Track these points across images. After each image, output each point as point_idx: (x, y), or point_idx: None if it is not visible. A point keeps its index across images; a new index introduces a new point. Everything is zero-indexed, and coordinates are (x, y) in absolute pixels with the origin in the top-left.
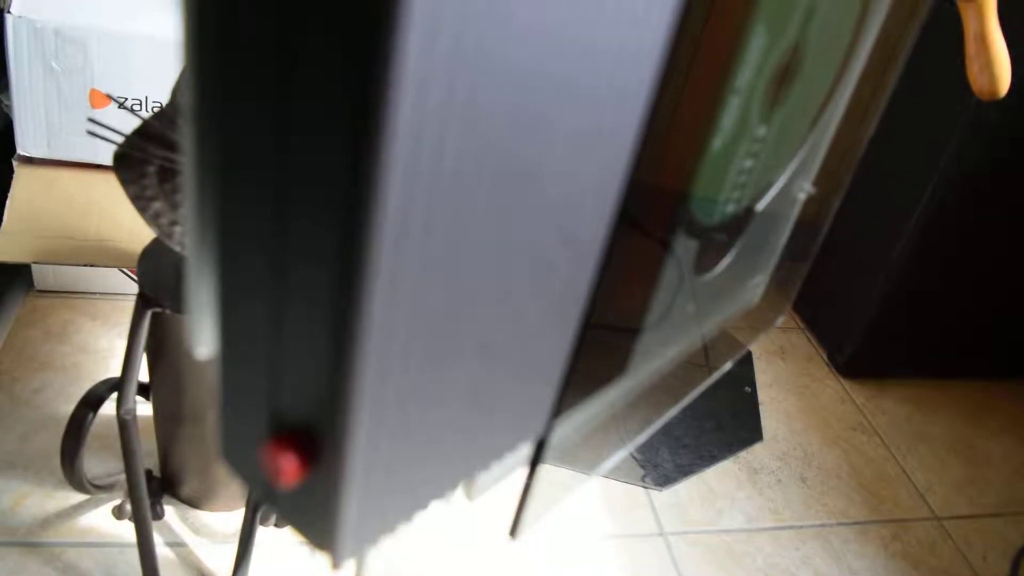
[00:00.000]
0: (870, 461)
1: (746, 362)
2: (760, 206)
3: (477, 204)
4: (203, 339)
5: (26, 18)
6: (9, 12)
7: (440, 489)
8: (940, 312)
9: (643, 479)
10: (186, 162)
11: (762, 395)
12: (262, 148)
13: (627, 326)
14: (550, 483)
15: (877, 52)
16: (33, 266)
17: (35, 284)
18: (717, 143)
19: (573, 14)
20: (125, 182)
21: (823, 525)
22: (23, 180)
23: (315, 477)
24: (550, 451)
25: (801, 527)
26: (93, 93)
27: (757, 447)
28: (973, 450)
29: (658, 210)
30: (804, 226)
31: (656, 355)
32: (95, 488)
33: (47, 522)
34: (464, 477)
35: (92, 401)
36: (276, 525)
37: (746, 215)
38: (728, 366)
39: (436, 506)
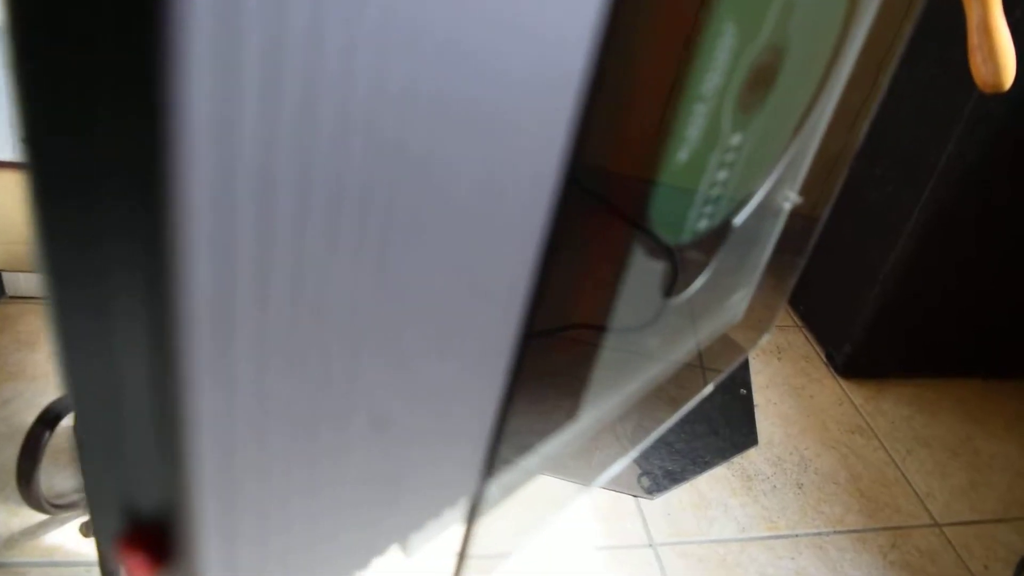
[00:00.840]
0: (869, 465)
1: (742, 363)
2: (739, 220)
3: (341, 226)
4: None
5: None
6: None
7: (342, 572)
8: (941, 311)
9: (633, 487)
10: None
11: (758, 397)
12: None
13: (584, 354)
14: (542, 498)
15: (870, 48)
16: (3, 272)
17: (5, 290)
18: (682, 155)
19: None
20: None
21: (819, 533)
22: None
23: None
24: (496, 498)
25: (796, 536)
26: None
27: (752, 452)
28: (975, 453)
29: (609, 232)
30: (799, 220)
31: (630, 378)
32: (54, 508)
33: (11, 541)
34: (373, 556)
35: (48, 419)
36: None
37: (722, 230)
38: (726, 372)
39: None
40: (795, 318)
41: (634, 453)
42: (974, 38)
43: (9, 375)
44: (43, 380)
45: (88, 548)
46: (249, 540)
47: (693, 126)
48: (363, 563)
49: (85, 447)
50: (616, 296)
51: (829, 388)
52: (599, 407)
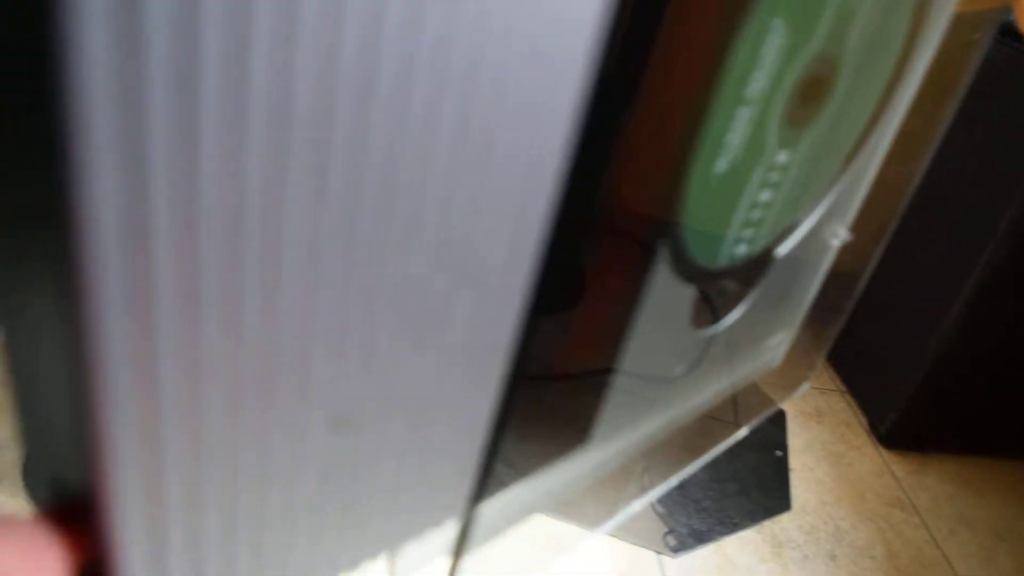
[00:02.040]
0: (908, 543)
1: (778, 423)
2: (782, 251)
3: (287, 215)
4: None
5: None
6: None
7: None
8: (993, 385)
9: (655, 543)
10: None
11: (794, 461)
12: None
13: (595, 382)
14: (546, 538)
15: (929, 83)
16: None
17: None
18: (720, 164)
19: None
20: None
21: None
22: None
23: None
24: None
25: None
26: None
27: (784, 517)
28: (1022, 538)
29: (634, 243)
30: (840, 276)
31: (639, 419)
32: None
33: None
34: (359, 561)
35: None
36: None
37: (763, 260)
38: (748, 429)
39: None
40: (837, 382)
41: (646, 500)
42: None
43: None
44: None
45: None
46: (184, 531)
47: (734, 132)
48: (348, 566)
49: (22, 418)
50: (640, 328)
51: (869, 457)
52: (614, 442)
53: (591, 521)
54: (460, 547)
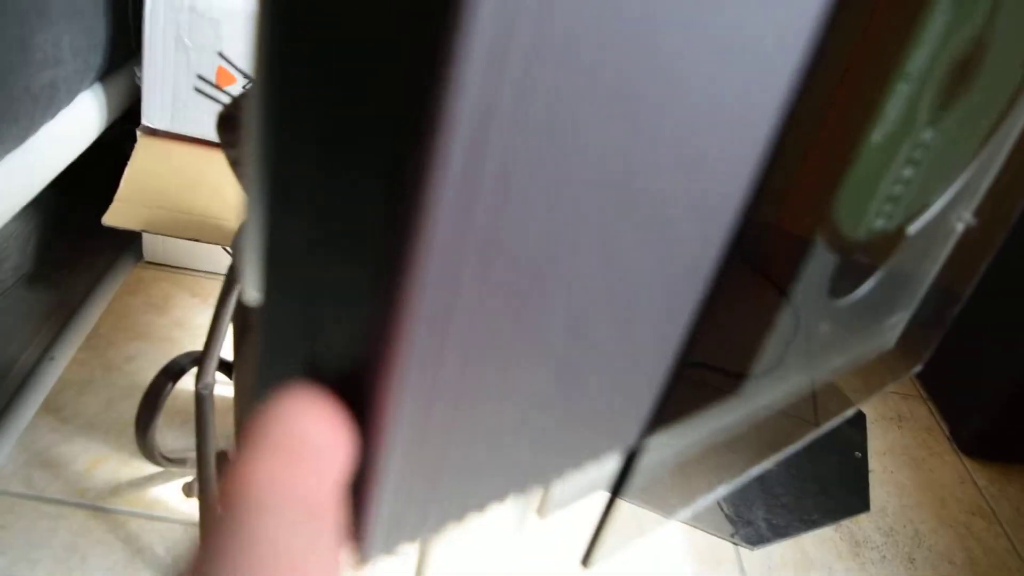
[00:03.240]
0: (989, 551)
1: (859, 426)
2: (913, 229)
3: (582, 145)
4: (253, 283)
5: None
6: None
7: (502, 490)
8: None
9: (733, 535)
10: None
11: (874, 463)
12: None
13: (741, 341)
14: (627, 518)
15: None
16: (144, 237)
17: (144, 255)
18: (877, 136)
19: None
20: (226, 144)
21: None
22: (143, 150)
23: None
24: (636, 478)
25: None
26: (220, 71)
27: (862, 518)
28: None
29: (800, 211)
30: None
31: (775, 383)
32: (165, 460)
33: (118, 489)
34: (531, 483)
35: (173, 371)
36: None
37: (896, 236)
38: (836, 422)
39: (494, 510)
40: (919, 388)
41: (723, 491)
42: None
43: (137, 334)
44: (168, 343)
45: (188, 507)
46: (431, 421)
47: (892, 106)
48: (521, 488)
49: (268, 305)
50: (796, 275)
51: (951, 464)
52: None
53: (668, 508)
54: (624, 477)
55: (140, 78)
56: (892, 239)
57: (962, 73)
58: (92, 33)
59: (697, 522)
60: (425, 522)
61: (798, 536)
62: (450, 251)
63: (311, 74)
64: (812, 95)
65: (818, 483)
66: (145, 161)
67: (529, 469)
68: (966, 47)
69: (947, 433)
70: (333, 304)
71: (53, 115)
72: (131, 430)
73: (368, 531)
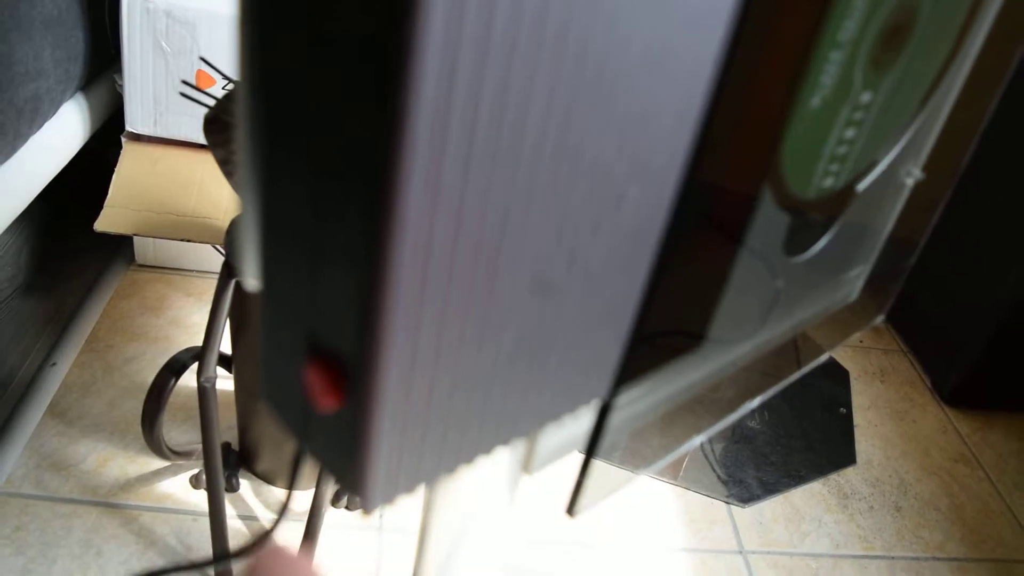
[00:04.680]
0: (972, 496)
1: (842, 383)
2: (861, 187)
3: (531, 103)
4: (252, 272)
5: (139, 0)
6: None
7: (487, 442)
8: None
9: (726, 494)
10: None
11: (858, 418)
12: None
13: (702, 301)
14: (606, 471)
15: (1000, 33)
16: (135, 240)
17: (136, 258)
18: (815, 101)
19: None
20: (213, 145)
21: (916, 558)
22: (129, 156)
23: (346, 412)
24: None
25: (892, 558)
26: (199, 74)
27: (849, 471)
28: None
29: (745, 171)
30: (907, 224)
31: (737, 339)
32: (172, 453)
33: (127, 485)
34: (513, 435)
35: (175, 367)
36: (347, 507)
37: (846, 194)
38: (812, 365)
39: (482, 461)
40: (900, 342)
41: (701, 439)
42: None
43: (134, 336)
44: (165, 342)
45: (196, 498)
46: (418, 381)
47: (827, 73)
48: (504, 439)
49: (267, 286)
50: (747, 235)
51: (933, 415)
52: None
53: (644, 463)
54: (597, 433)
55: (121, 85)
56: (843, 197)
57: (894, 37)
58: (71, 43)
59: (689, 483)
60: (419, 473)
61: (788, 492)
62: (421, 225)
63: (292, 81)
64: (744, 64)
65: (805, 440)
66: (132, 166)
67: (509, 422)
68: (896, 13)
69: (928, 385)
70: (325, 283)
71: (39, 126)
72: (135, 428)
73: (368, 484)
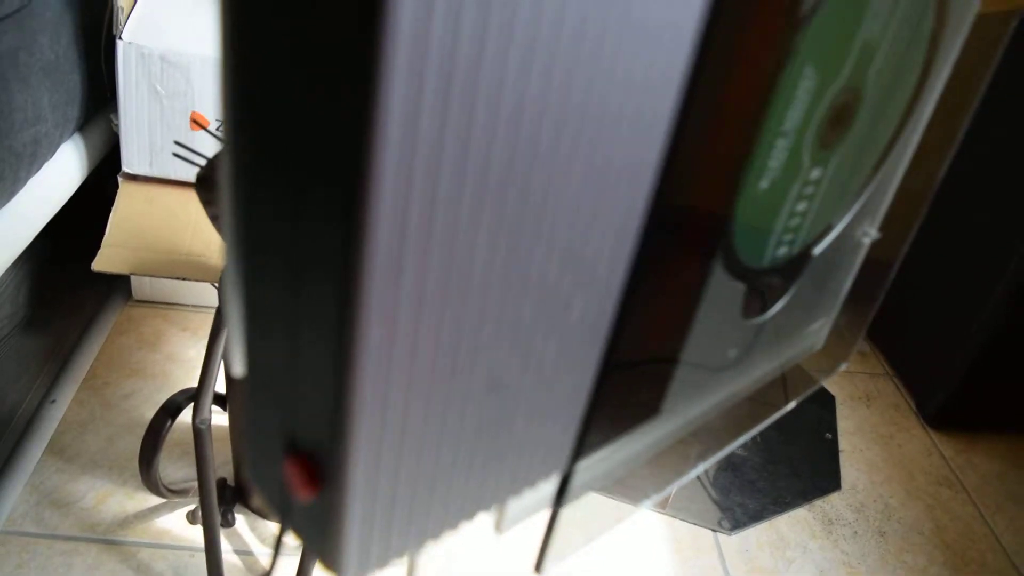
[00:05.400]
0: (956, 519)
1: (828, 408)
2: (817, 250)
3: (481, 233)
4: (238, 358)
5: (135, 44)
6: (120, 38)
7: (451, 521)
8: None
9: (713, 522)
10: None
11: (844, 443)
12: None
13: (660, 367)
14: (573, 525)
15: (951, 89)
16: (132, 277)
17: (133, 294)
18: (763, 184)
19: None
20: (205, 203)
21: None
22: (126, 196)
23: (323, 497)
24: (582, 488)
25: None
26: (193, 115)
27: (834, 496)
28: None
29: (696, 248)
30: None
31: (702, 397)
32: (169, 492)
33: (126, 521)
34: (477, 511)
35: (171, 409)
36: None
37: (802, 258)
38: (793, 404)
39: (449, 537)
40: (886, 366)
41: (696, 472)
42: None
43: (131, 372)
44: (162, 378)
45: (193, 533)
46: (387, 471)
47: (774, 159)
48: (470, 515)
49: (252, 379)
50: (697, 317)
51: (918, 438)
52: (674, 420)
53: (642, 496)
54: (560, 498)
55: (117, 124)
56: (799, 261)
57: (841, 117)
58: (69, 87)
59: (677, 512)
60: (390, 550)
61: (773, 518)
62: (383, 343)
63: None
64: (690, 159)
65: (790, 466)
66: (128, 206)
67: (472, 501)
68: (841, 96)
69: (913, 408)
70: (302, 388)
71: (37, 169)
72: (133, 464)
73: (343, 562)
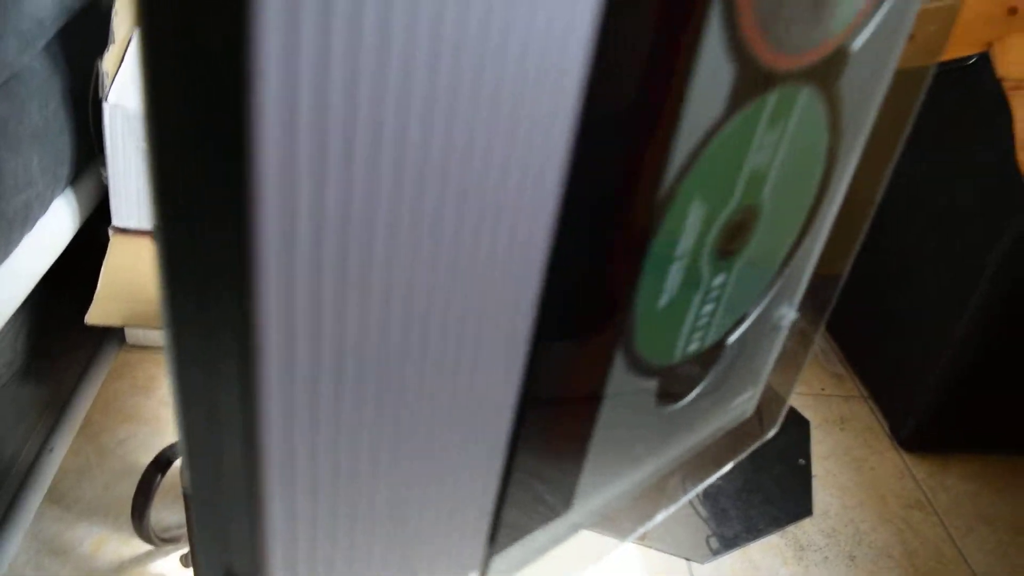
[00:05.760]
0: (926, 542)
1: (803, 434)
2: (731, 339)
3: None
4: (184, 479)
5: (120, 106)
6: (107, 101)
7: None
8: (1012, 385)
9: (686, 552)
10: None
11: (817, 467)
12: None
13: (574, 464)
14: (579, 552)
15: (862, 177)
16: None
17: (126, 339)
18: (663, 301)
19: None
20: None
21: None
22: (116, 249)
23: None
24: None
25: None
26: None
27: (806, 522)
28: None
29: (597, 358)
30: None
31: (620, 481)
32: (161, 541)
33: (122, 566)
34: None
35: (161, 463)
36: None
37: (717, 348)
38: (771, 434)
39: None
40: (860, 388)
41: (675, 507)
42: (1022, 134)
43: (126, 417)
44: (156, 423)
45: None
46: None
47: (670, 280)
48: None
49: (195, 507)
50: (609, 414)
51: (891, 461)
52: (597, 500)
53: (623, 531)
54: None
55: (106, 177)
56: (714, 350)
57: (740, 230)
58: (58, 149)
59: (652, 542)
60: None
61: (745, 546)
62: (288, 504)
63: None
64: (583, 290)
65: (763, 493)
66: (120, 259)
67: None
68: (736, 214)
69: (887, 431)
70: (230, 530)
71: (30, 228)
72: (128, 510)
73: None
